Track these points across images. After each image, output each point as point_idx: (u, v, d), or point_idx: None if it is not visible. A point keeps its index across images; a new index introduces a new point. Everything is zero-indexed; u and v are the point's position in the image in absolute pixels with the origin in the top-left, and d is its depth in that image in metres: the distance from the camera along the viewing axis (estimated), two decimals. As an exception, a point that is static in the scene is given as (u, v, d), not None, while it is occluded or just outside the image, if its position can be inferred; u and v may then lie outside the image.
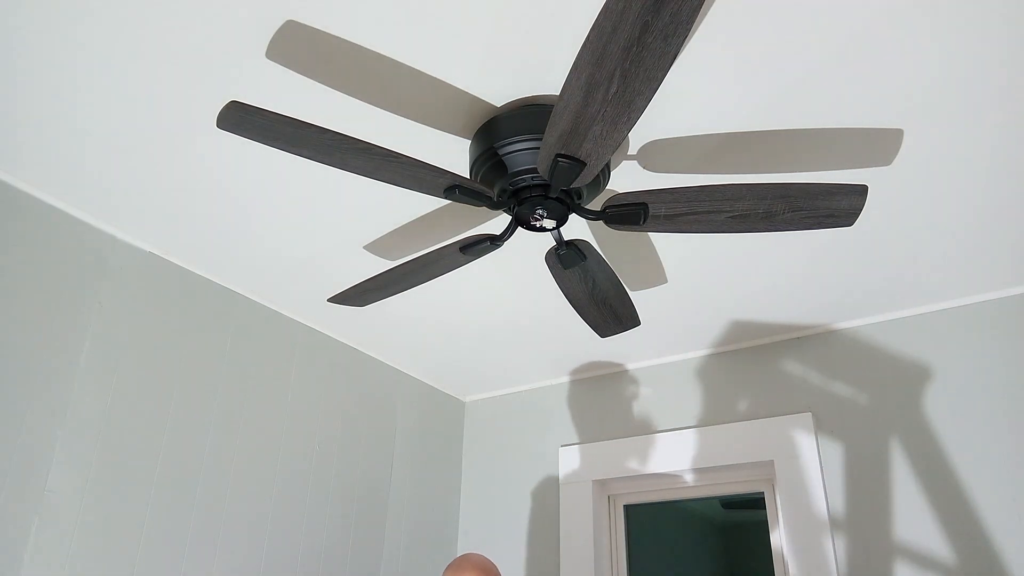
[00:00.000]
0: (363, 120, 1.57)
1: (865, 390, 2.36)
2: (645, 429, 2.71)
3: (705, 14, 1.30)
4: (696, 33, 1.34)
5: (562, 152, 1.33)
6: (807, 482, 2.32)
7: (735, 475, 2.53)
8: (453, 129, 1.60)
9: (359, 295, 1.86)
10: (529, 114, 1.50)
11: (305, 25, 1.34)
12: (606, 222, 1.53)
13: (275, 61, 1.42)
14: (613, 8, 1.02)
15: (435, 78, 1.46)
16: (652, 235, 2.00)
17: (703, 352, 2.71)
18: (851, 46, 1.37)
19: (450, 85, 1.48)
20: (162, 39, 1.39)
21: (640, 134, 1.61)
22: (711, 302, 2.36)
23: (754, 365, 2.59)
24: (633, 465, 2.66)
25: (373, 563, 2.56)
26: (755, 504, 2.51)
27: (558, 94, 1.21)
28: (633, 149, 1.66)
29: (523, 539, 2.80)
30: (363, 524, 2.57)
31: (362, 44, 1.38)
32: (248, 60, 1.43)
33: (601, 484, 2.75)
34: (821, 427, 2.38)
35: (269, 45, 1.39)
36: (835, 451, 2.33)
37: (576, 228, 1.96)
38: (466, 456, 3.11)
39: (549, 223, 1.54)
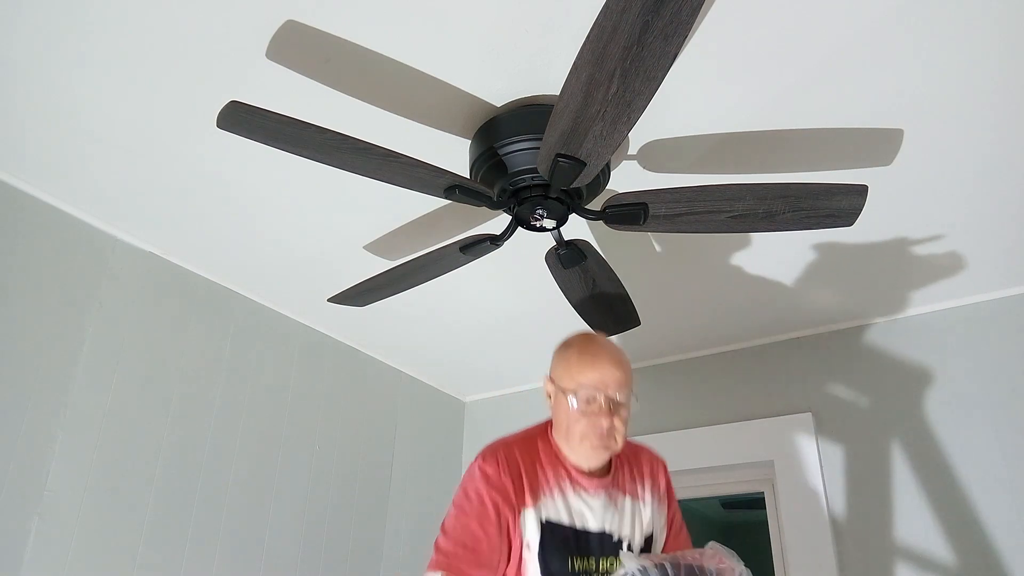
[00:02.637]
0: (363, 120, 1.57)
1: (865, 390, 2.36)
2: (645, 429, 2.71)
3: (706, 14, 1.30)
4: (697, 33, 1.34)
5: (562, 152, 1.32)
6: (807, 482, 2.32)
7: (735, 475, 2.53)
8: (453, 129, 1.60)
9: (359, 295, 1.86)
10: (529, 114, 1.50)
11: (305, 25, 1.34)
12: (606, 222, 1.53)
13: (275, 61, 1.42)
14: (613, 8, 1.02)
15: (435, 78, 1.46)
16: (652, 235, 2.00)
17: (703, 352, 2.70)
18: (852, 46, 1.37)
19: (450, 85, 1.48)
20: (162, 39, 1.39)
21: (640, 134, 1.61)
22: (711, 302, 2.36)
23: (754, 365, 2.59)
24: (633, 465, 2.66)
25: (373, 563, 2.56)
26: (755, 504, 2.51)
27: (558, 94, 1.21)
28: (633, 149, 1.66)
29: (523, 539, 2.80)
30: (363, 524, 2.57)
31: (362, 44, 1.38)
32: (248, 60, 1.43)
33: (601, 484, 2.74)
34: (821, 427, 2.38)
35: (269, 45, 1.39)
36: (835, 451, 2.33)
37: (576, 228, 1.96)
38: (466, 456, 3.10)
39: (549, 223, 1.53)
